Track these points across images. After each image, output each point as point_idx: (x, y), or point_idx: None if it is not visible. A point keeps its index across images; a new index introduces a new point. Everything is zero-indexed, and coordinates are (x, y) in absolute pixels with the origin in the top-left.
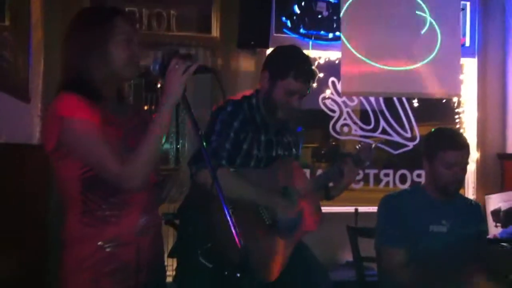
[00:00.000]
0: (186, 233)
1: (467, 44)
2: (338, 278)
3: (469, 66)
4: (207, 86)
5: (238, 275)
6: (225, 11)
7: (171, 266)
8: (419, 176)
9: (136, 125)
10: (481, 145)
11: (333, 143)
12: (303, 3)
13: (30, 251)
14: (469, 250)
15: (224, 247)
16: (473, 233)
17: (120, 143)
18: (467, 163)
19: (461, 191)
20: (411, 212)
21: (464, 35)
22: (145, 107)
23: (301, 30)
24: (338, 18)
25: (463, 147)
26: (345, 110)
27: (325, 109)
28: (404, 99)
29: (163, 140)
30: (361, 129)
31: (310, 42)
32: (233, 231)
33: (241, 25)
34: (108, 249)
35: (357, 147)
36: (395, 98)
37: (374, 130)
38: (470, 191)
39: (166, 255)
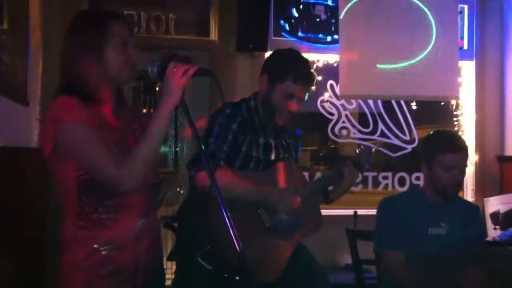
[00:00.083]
0: (185, 236)
1: (465, 47)
2: (338, 281)
3: (467, 69)
4: (205, 89)
5: (237, 277)
6: (224, 14)
7: (170, 269)
8: (417, 178)
9: (135, 128)
10: (479, 147)
11: (332, 146)
12: (301, 7)
13: (29, 253)
14: (468, 252)
15: (223, 249)
16: (472, 235)
17: (118, 146)
18: (465, 165)
19: (460, 194)
20: (410, 214)
21: (462, 38)
22: (144, 110)
23: (300, 34)
24: (336, 21)
25: (462, 149)
26: (343, 113)
27: (324, 112)
28: (402, 102)
29: (161, 143)
30: (360, 132)
31: (308, 45)
32: (232, 233)
33: (240, 28)
34: (103, 252)
35: (357, 150)
36: (393, 101)
37: (372, 133)
38: (469, 194)
39: (165, 258)
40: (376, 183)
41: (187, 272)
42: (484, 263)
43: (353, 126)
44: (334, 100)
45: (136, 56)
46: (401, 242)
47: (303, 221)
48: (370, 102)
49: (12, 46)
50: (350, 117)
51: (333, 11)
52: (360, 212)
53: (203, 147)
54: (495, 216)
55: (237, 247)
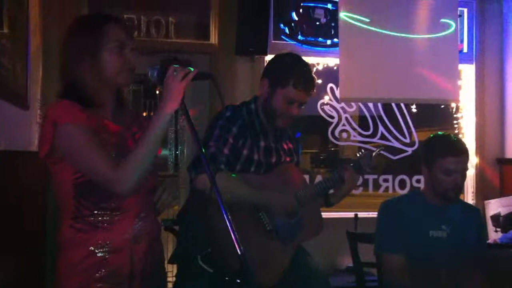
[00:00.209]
0: (185, 239)
1: (465, 50)
2: (338, 284)
3: (467, 72)
4: (205, 92)
5: (238, 280)
6: (223, 18)
7: (171, 272)
8: (418, 181)
9: (135, 131)
10: (479, 150)
11: (332, 149)
12: (301, 10)
13: (29, 256)
14: (469, 255)
15: (223, 252)
16: (473, 238)
17: (116, 149)
18: (466, 169)
19: (460, 197)
20: (410, 217)
21: (461, 41)
22: (144, 114)
23: (299, 37)
24: (336, 24)
25: (462, 153)
26: (343, 116)
27: (324, 115)
28: (402, 105)
29: (158, 147)
30: (360, 134)
31: (308, 49)
32: (233, 236)
33: (239, 32)
34: (99, 254)
35: (358, 154)
36: (393, 104)
37: (373, 135)
38: (469, 196)
39: (166, 261)
40: (376, 185)
41: (188, 275)
42: (485, 265)
43: (353, 129)
44: (334, 103)
45: (135, 59)
46: (401, 245)
47: (304, 224)
48: (370, 105)
49: (12, 50)
50: (350, 120)
51: (333, 14)
52: (361, 215)
53: (203, 150)
54: (496, 218)
55: (238, 250)
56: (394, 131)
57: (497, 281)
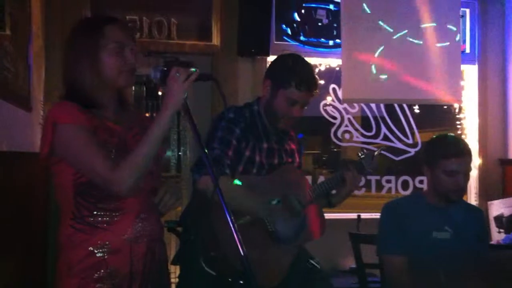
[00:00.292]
0: (188, 240)
1: (467, 50)
2: (341, 285)
3: (470, 73)
4: (207, 93)
5: (241, 282)
6: (225, 19)
7: (174, 273)
8: (421, 182)
9: (137, 132)
10: (482, 151)
11: (335, 149)
12: (303, 11)
13: (32, 257)
14: (472, 255)
15: (226, 253)
16: (475, 239)
17: (117, 150)
18: (469, 170)
19: (463, 197)
20: (412, 219)
21: (464, 41)
22: (147, 115)
23: (301, 38)
24: (338, 25)
25: (465, 154)
26: (346, 116)
27: (326, 116)
28: (405, 106)
29: (158, 147)
30: (363, 135)
31: (310, 50)
32: (236, 237)
33: (241, 33)
34: (98, 255)
35: (360, 154)
36: (396, 105)
37: (375, 136)
38: (472, 197)
39: (169, 262)
40: (379, 186)
41: (191, 276)
42: (488, 266)
43: (356, 129)
44: (337, 104)
45: (135, 60)
46: (403, 247)
47: (306, 225)
48: (373, 105)
49: (14, 52)
50: (353, 121)
51: (335, 15)
52: (364, 215)
53: (206, 151)
54: (499, 219)
55: (240, 251)
56: (397, 132)
57: (500, 282)
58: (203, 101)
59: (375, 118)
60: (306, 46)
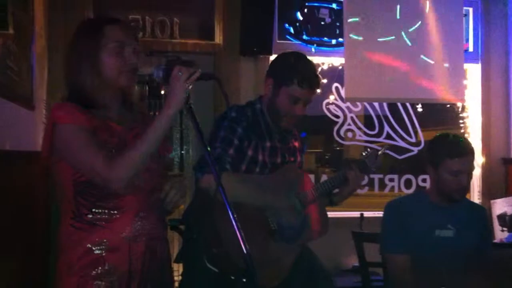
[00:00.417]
0: (191, 238)
1: (470, 49)
2: (344, 284)
3: (473, 72)
4: (209, 93)
5: (244, 280)
6: (228, 18)
7: (177, 271)
8: (424, 181)
9: (137, 132)
10: (485, 150)
11: (337, 148)
12: (305, 10)
13: (34, 257)
14: (475, 254)
15: (229, 251)
16: (478, 237)
17: (117, 149)
18: (472, 169)
19: (466, 196)
20: (415, 217)
21: (467, 40)
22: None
23: (304, 37)
24: (341, 24)
25: (469, 153)
26: (349, 115)
27: (329, 115)
28: (408, 104)
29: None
30: (366, 134)
31: (313, 48)
32: (239, 236)
33: (244, 32)
34: (96, 252)
35: (364, 153)
36: (399, 103)
37: (378, 135)
38: (475, 196)
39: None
40: (382, 185)
41: (194, 274)
42: (491, 264)
43: (359, 128)
44: (340, 103)
45: (136, 60)
46: (406, 246)
47: (309, 224)
48: (376, 104)
49: (18, 51)
50: (356, 120)
51: (338, 14)
52: (366, 214)
53: (208, 149)
54: (502, 218)
55: (243, 249)
56: (400, 131)
57: (503, 281)
58: (205, 100)
59: (378, 116)
60: (308, 45)
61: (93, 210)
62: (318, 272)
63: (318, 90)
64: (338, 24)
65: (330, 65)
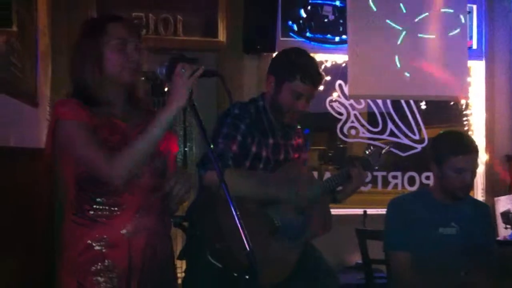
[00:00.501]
0: (194, 235)
1: (474, 46)
2: (347, 281)
3: (477, 69)
4: (212, 90)
5: (247, 277)
6: (231, 15)
7: (180, 268)
8: (427, 178)
9: (143, 129)
10: (489, 147)
11: (341, 145)
12: (309, 7)
13: (38, 254)
14: (478, 251)
15: (232, 248)
16: (482, 234)
17: (120, 146)
18: (476, 167)
19: (470, 194)
20: (418, 215)
21: (471, 37)
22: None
23: (308, 34)
24: (344, 21)
25: (473, 151)
26: (352, 112)
27: (333, 112)
28: (411, 102)
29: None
30: (369, 131)
31: (317, 46)
32: (242, 232)
33: (247, 29)
34: (96, 248)
35: (367, 151)
36: (402, 101)
37: (381, 132)
38: (479, 193)
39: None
40: (385, 182)
41: (197, 270)
42: (494, 262)
43: (362, 125)
44: (343, 100)
45: (139, 57)
46: (409, 243)
47: (313, 221)
48: (379, 101)
49: (22, 48)
50: (359, 117)
51: (341, 11)
52: (370, 211)
53: (211, 146)
54: (505, 215)
55: (246, 246)
56: (403, 128)
57: (506, 278)
58: (208, 98)
59: (381, 114)
60: (312, 43)
61: (95, 206)
62: (323, 269)
63: (321, 87)
64: (341, 21)
65: (334, 63)
